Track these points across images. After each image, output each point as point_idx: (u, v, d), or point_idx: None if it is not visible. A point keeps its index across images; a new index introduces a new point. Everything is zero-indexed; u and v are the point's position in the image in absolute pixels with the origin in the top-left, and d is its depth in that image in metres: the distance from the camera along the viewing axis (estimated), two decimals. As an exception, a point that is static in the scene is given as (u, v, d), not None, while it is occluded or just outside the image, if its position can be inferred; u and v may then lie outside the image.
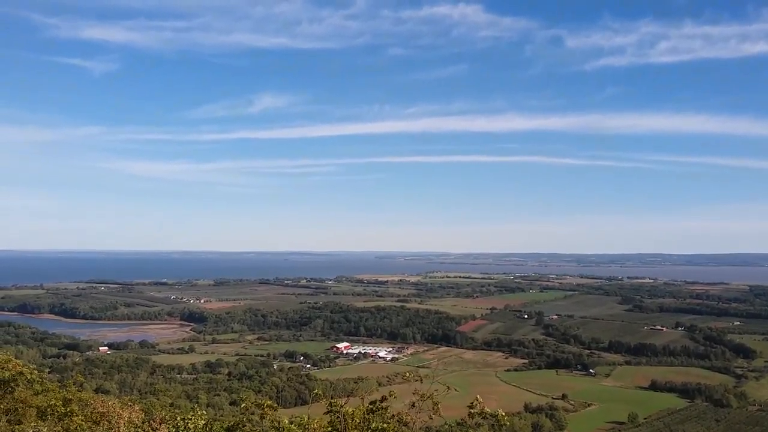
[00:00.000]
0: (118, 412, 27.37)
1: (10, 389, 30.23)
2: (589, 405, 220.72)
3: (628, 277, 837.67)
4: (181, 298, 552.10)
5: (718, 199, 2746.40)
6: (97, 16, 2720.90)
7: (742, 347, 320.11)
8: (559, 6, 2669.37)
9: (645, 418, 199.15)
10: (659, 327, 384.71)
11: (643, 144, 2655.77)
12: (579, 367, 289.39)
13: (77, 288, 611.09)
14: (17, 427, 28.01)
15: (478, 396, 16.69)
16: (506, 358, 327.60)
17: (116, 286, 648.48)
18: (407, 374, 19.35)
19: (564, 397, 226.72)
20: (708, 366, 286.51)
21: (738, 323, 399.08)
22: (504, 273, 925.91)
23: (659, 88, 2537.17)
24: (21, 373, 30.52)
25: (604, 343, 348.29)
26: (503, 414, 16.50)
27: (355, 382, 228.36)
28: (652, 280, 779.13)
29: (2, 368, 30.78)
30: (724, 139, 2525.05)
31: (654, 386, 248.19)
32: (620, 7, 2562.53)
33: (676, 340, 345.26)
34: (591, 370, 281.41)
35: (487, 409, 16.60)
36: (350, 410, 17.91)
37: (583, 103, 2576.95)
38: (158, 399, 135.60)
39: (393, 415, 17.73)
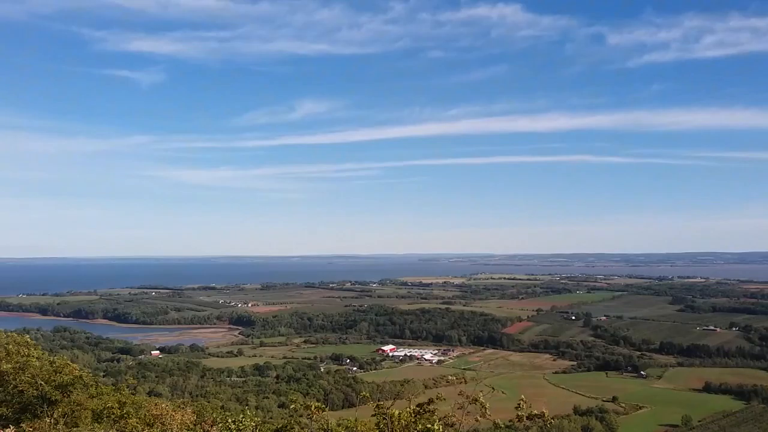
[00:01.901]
0: (171, 414, 28.06)
1: (67, 393, 31.28)
2: (640, 408, 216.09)
3: (679, 277, 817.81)
4: (229, 303, 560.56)
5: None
6: (144, 29, 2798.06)
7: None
8: (599, 3, 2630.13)
9: (699, 421, 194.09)
10: (712, 327, 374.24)
11: (691, 140, 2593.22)
12: (629, 368, 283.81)
13: (129, 294, 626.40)
14: (74, 429, 28.97)
15: (523, 397, 16.64)
16: (554, 360, 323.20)
17: (166, 291, 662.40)
18: (451, 377, 19.42)
19: (614, 399, 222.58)
20: (764, 367, 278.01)
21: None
22: (550, 274, 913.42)
23: (706, 84, 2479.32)
24: (80, 377, 31.57)
25: (655, 344, 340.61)
26: (547, 413, 16.42)
27: (401, 385, 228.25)
28: (703, 280, 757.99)
29: (60, 372, 31.88)
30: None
31: (708, 388, 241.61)
32: (663, 2, 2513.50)
33: (730, 341, 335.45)
34: (642, 372, 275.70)
35: (534, 411, 16.55)
36: (396, 412, 18.04)
37: (627, 100, 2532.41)
38: (209, 402, 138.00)
39: (439, 417, 17.80)
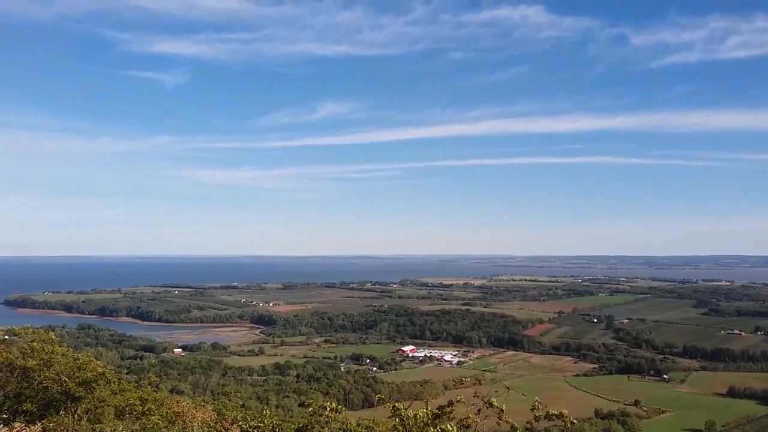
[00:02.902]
0: (192, 412, 28.39)
1: (90, 389, 31.73)
2: (663, 412, 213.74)
3: (703, 280, 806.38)
4: (251, 302, 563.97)
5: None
6: (168, 31, 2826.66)
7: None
8: (622, 4, 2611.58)
9: (723, 426, 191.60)
10: (737, 331, 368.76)
11: (714, 142, 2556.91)
12: (652, 372, 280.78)
13: (152, 292, 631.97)
14: (97, 425, 29.38)
15: (537, 398, 16.56)
16: (575, 362, 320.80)
17: (189, 290, 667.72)
18: (469, 378, 19.42)
19: (636, 403, 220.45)
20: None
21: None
22: (571, 276, 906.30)
23: (731, 85, 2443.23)
24: (103, 373, 32.01)
25: (678, 347, 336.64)
26: (567, 413, 16.33)
27: (420, 386, 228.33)
28: (728, 283, 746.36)
29: (84, 369, 32.34)
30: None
31: (732, 393, 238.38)
32: (687, 3, 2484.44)
33: (755, 345, 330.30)
34: (665, 376, 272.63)
35: (552, 411, 16.47)
36: (413, 414, 18.06)
37: (650, 101, 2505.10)
38: (230, 400, 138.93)
39: (458, 419, 17.79)
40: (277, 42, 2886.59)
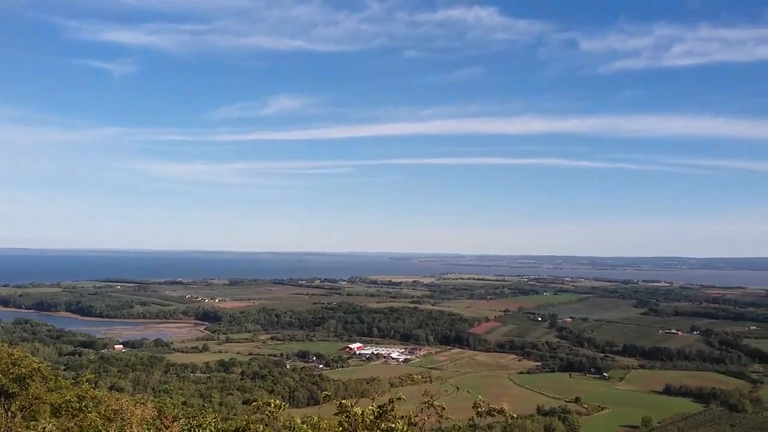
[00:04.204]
0: (131, 409, 27.66)
1: (25, 386, 30.67)
2: (602, 409, 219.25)
3: (644, 281, 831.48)
4: (196, 298, 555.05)
5: (736, 203, 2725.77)
6: (118, 19, 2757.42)
7: (758, 352, 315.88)
8: (573, 9, 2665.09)
9: (659, 423, 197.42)
10: (674, 331, 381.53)
11: (661, 147, 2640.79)
12: (593, 370, 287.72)
13: (93, 286, 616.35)
14: (32, 423, 28.40)
15: (480, 396, 16.75)
16: (519, 360, 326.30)
17: (132, 285, 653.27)
18: (416, 376, 19.49)
19: (577, 400, 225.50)
20: (723, 371, 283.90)
21: (754, 328, 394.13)
22: (518, 275, 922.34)
23: (676, 92, 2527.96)
24: (38, 369, 30.98)
25: (618, 346, 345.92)
26: (508, 409, 16.55)
27: (367, 383, 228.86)
28: (667, 284, 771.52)
29: (18, 365, 31.24)
30: (742, 142, 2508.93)
31: (668, 390, 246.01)
32: (635, 10, 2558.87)
33: (691, 345, 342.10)
34: (605, 374, 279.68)
35: (494, 406, 16.67)
36: (359, 411, 18.01)
37: (599, 105, 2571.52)
38: (171, 397, 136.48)
39: (402, 416, 17.82)
40: (230, 34, 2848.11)
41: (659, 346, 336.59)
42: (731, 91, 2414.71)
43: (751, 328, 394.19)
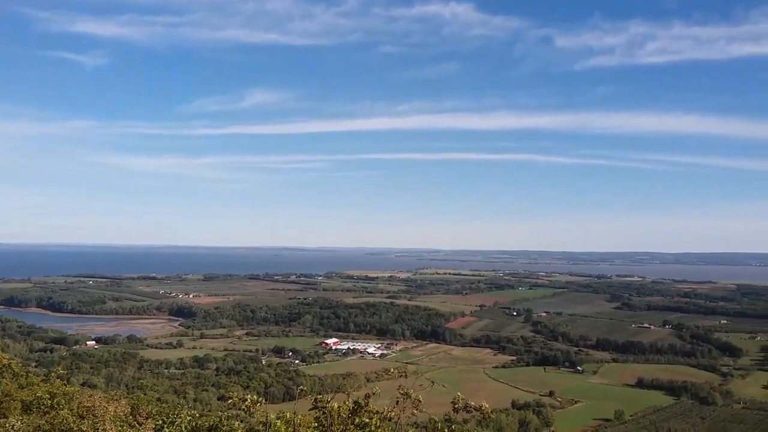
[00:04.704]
0: (104, 406, 27.32)
1: (-5, 383, 30.18)
2: (576, 402, 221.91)
3: (617, 275, 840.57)
4: (170, 293, 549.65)
5: (708, 199, 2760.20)
6: (90, 11, 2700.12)
7: (728, 346, 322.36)
8: (549, 6, 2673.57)
9: (631, 416, 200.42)
10: (647, 325, 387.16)
11: (634, 143, 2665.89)
12: (567, 364, 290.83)
13: (65, 282, 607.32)
14: (2, 420, 27.96)
15: (459, 394, 16.81)
16: (495, 355, 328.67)
17: (105, 280, 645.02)
18: (392, 370, 19.52)
19: (551, 394, 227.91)
20: (694, 364, 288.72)
21: (725, 322, 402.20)
22: (494, 270, 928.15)
23: (649, 89, 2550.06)
24: (8, 366, 30.53)
25: (592, 340, 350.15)
26: (487, 406, 16.64)
27: (343, 378, 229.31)
28: (640, 279, 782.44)
29: (-12, 362, 30.73)
30: (713, 139, 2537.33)
31: (640, 384, 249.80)
32: (610, 8, 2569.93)
33: (663, 338, 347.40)
34: (579, 368, 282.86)
35: (471, 402, 16.75)
36: (335, 406, 17.98)
37: (574, 102, 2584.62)
38: (145, 394, 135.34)
39: (377, 411, 17.83)
40: (205, 27, 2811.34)
41: (632, 340, 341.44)
42: (702, 89, 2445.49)
43: (722, 322, 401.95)
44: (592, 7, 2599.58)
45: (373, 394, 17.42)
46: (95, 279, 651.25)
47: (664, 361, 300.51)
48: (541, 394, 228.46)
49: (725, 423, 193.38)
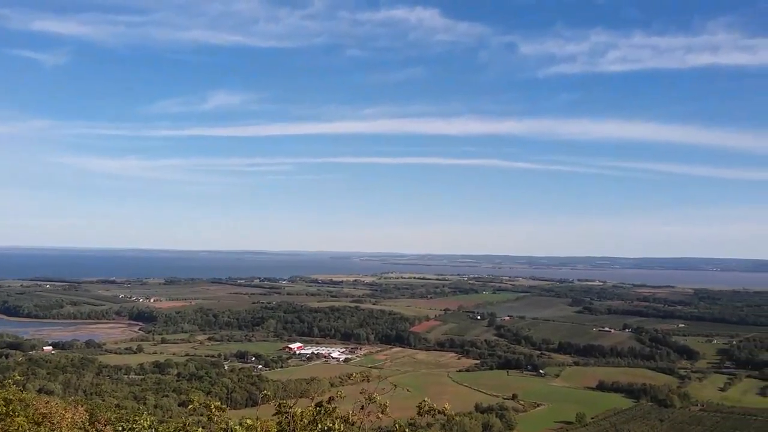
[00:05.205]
0: (61, 413, 26.73)
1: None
2: (538, 405, 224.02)
3: (579, 280, 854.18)
4: (130, 297, 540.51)
5: (666, 205, 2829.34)
6: (50, 9, 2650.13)
7: (686, 349, 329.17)
8: (513, 13, 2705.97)
9: (592, 418, 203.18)
10: (607, 329, 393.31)
11: (594, 149, 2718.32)
12: (529, 367, 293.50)
13: (21, 285, 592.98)
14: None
15: (426, 398, 16.82)
16: (459, 358, 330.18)
17: (62, 284, 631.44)
18: (355, 375, 19.42)
19: (514, 397, 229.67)
20: (653, 367, 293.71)
21: (682, 325, 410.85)
22: (458, 274, 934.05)
23: (610, 96, 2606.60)
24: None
25: (554, 344, 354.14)
26: (449, 408, 16.67)
27: (306, 383, 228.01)
28: (601, 283, 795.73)
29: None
30: (673, 146, 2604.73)
31: (601, 387, 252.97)
32: (572, 16, 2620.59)
33: (623, 342, 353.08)
34: (541, 371, 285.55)
35: (436, 406, 16.76)
36: (299, 411, 17.83)
37: (537, 108, 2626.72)
38: (104, 400, 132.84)
39: (341, 416, 17.73)
40: (168, 27, 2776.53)
41: (593, 344, 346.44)
42: (661, 97, 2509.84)
43: (680, 325, 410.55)
44: (555, 15, 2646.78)
45: (339, 396, 17.33)
46: (52, 282, 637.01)
47: (624, 364, 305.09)
48: (505, 397, 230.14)
49: (683, 425, 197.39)
